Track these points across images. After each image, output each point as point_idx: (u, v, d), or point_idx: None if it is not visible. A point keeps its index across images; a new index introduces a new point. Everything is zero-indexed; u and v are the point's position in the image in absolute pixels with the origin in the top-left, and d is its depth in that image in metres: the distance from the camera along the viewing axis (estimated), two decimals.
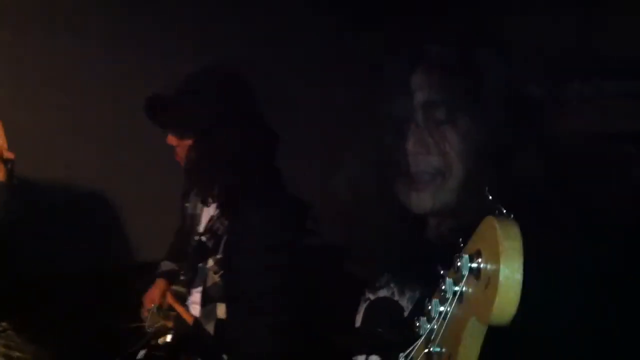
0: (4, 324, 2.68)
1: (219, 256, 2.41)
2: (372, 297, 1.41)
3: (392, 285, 1.35)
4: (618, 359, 1.12)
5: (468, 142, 1.22)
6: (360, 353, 1.37)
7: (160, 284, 2.70)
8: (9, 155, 2.52)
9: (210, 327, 2.41)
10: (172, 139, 2.55)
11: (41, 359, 2.70)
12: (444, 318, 0.89)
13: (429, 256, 1.26)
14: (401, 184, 1.29)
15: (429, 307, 0.93)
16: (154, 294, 2.68)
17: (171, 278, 2.70)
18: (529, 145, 1.19)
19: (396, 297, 1.34)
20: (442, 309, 0.89)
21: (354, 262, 1.40)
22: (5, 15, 3.24)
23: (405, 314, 1.31)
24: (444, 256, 0.90)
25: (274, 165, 2.49)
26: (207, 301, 2.44)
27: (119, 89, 3.31)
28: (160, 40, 3.47)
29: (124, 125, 3.06)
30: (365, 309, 1.42)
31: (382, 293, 1.38)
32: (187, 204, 2.67)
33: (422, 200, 1.27)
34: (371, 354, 1.35)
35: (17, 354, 2.63)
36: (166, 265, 2.78)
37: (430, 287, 0.94)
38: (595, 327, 1.07)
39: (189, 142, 2.48)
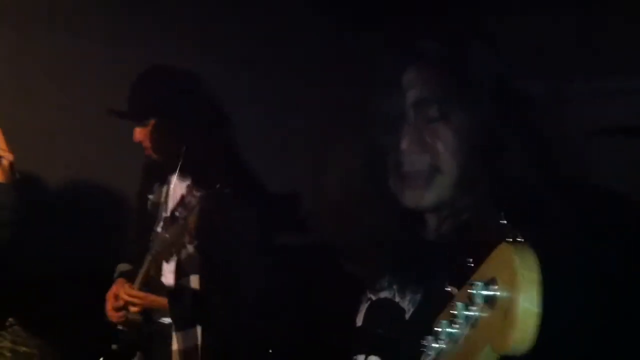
0: (10, 319, 2.68)
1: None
2: (373, 297, 1.41)
3: (393, 286, 1.36)
4: (618, 359, 1.12)
5: (461, 139, 1.22)
6: (360, 353, 1.37)
7: (121, 282, 2.73)
8: (7, 156, 2.53)
9: (186, 300, 2.50)
10: (138, 134, 2.69)
11: (46, 354, 2.71)
12: (452, 341, 0.88)
13: (429, 257, 1.26)
14: (396, 182, 1.30)
15: (438, 328, 0.92)
16: (117, 291, 2.70)
17: (129, 278, 2.74)
18: (524, 143, 1.19)
19: (397, 299, 1.34)
20: (451, 330, 0.89)
21: (354, 262, 1.40)
22: (6, 15, 3.23)
23: (407, 316, 1.31)
24: (444, 258, 0.90)
25: (233, 144, 2.70)
26: (182, 274, 2.53)
27: (119, 89, 3.31)
28: (160, 40, 3.47)
29: (124, 125, 3.06)
30: (367, 309, 1.42)
31: (384, 294, 1.38)
32: (150, 196, 2.77)
33: (417, 198, 1.27)
34: (371, 354, 1.35)
35: (23, 348, 2.63)
36: (123, 267, 2.84)
37: (431, 291, 0.93)
38: (595, 327, 1.07)
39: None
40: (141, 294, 2.56)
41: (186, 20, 3.60)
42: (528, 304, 0.73)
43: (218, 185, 2.48)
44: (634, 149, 2.87)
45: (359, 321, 1.43)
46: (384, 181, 1.32)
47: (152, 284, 2.61)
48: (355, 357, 1.38)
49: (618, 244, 1.15)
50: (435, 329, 0.93)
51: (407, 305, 1.32)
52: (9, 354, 2.58)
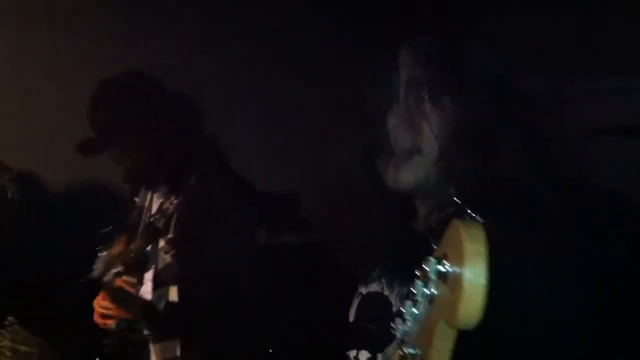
0: (10, 318, 2.68)
1: (170, 236, 2.43)
2: (364, 291, 1.42)
3: (382, 279, 1.37)
4: (618, 359, 1.12)
5: (447, 123, 1.23)
6: (352, 348, 1.38)
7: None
8: None
9: (161, 312, 2.43)
10: None
11: (46, 353, 2.70)
12: (416, 320, 0.90)
13: (417, 250, 1.26)
14: (383, 162, 1.31)
15: (403, 309, 0.94)
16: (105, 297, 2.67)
17: None
18: (524, 143, 1.20)
19: (386, 292, 1.36)
20: (414, 310, 0.90)
21: (352, 260, 1.41)
22: (6, 15, 3.24)
23: (394, 309, 1.32)
24: (430, 251, 0.91)
25: (211, 143, 2.60)
26: (159, 285, 2.45)
27: None
28: (160, 40, 3.47)
29: None
30: (357, 304, 1.43)
31: (373, 287, 1.39)
32: (136, 199, 2.73)
33: (399, 176, 1.28)
34: (362, 349, 1.36)
35: (22, 347, 2.63)
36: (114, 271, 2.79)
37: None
38: (595, 327, 1.07)
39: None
40: (110, 303, 2.46)
41: (186, 20, 3.60)
42: (474, 277, 0.73)
43: (193, 189, 2.42)
44: (634, 149, 2.87)
45: (351, 316, 1.44)
46: (381, 179, 1.33)
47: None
48: (347, 352, 1.39)
49: (618, 244, 1.15)
50: (401, 309, 0.94)
51: (395, 298, 1.33)
52: (8, 353, 2.59)
